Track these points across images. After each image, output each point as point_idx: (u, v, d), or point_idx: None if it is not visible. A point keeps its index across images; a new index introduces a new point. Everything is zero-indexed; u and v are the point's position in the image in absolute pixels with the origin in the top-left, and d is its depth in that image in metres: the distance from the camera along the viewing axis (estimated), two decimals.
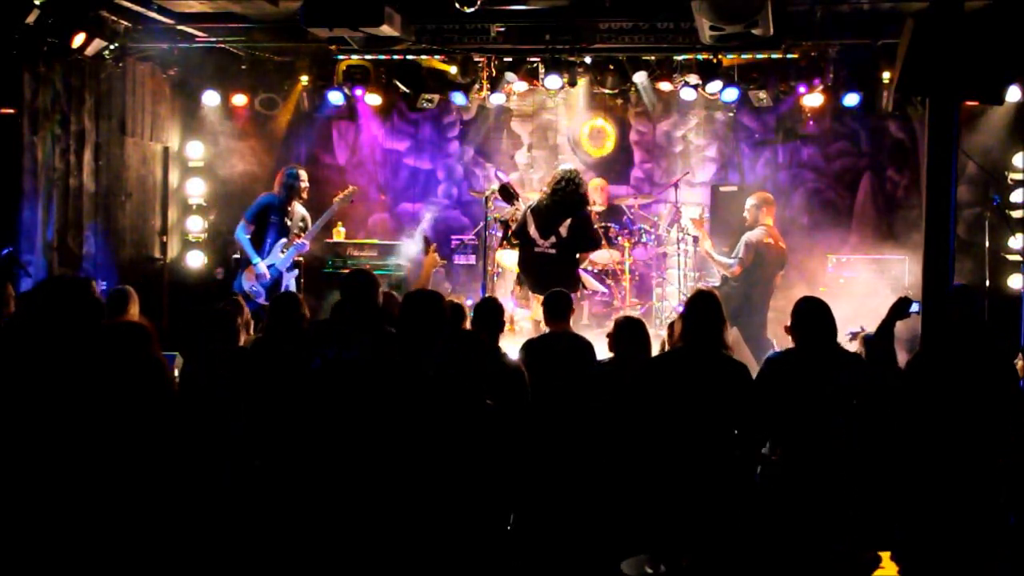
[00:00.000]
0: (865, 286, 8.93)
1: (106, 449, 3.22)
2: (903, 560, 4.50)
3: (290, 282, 8.46)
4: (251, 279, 8.31)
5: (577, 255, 8.01)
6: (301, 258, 9.57)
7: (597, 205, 9.83)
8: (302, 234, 8.49)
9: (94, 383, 3.27)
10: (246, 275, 8.34)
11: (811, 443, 4.64)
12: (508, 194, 8.62)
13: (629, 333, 5.37)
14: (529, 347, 5.71)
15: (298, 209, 8.54)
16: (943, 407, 4.51)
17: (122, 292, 5.97)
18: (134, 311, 5.83)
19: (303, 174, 8.56)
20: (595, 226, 8.35)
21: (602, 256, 9.47)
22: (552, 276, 7.68)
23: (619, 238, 9.46)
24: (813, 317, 4.82)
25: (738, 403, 4.61)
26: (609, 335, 5.44)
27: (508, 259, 9.11)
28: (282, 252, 8.36)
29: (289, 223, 8.43)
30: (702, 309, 4.77)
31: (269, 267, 8.33)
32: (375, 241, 10.48)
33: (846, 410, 4.66)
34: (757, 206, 8.36)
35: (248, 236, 8.36)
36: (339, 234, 10.44)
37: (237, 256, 8.99)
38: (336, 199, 8.75)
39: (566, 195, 7.85)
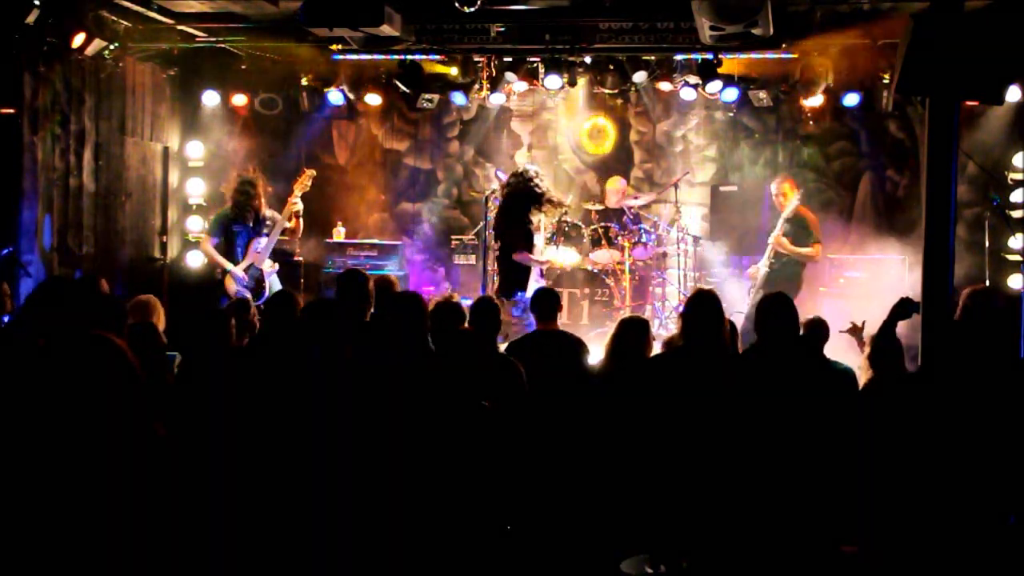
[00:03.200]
0: (865, 286, 8.93)
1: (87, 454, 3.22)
2: (903, 560, 4.50)
3: (272, 279, 8.49)
4: (231, 285, 8.34)
5: (512, 254, 7.92)
6: (301, 258, 9.54)
7: (597, 204, 9.87)
8: (273, 231, 8.48)
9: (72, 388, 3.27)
10: (227, 282, 8.38)
11: (792, 440, 4.64)
12: None
13: (631, 333, 5.37)
14: (514, 347, 5.71)
15: (261, 211, 8.53)
16: (945, 408, 4.51)
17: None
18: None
19: (256, 186, 8.47)
20: (527, 218, 8.09)
21: (602, 256, 9.48)
22: (498, 278, 7.74)
23: (619, 238, 9.47)
24: (773, 314, 4.85)
25: (738, 400, 4.60)
26: (611, 336, 5.44)
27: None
28: (258, 252, 8.39)
29: (254, 225, 8.45)
30: (701, 308, 4.77)
31: (248, 268, 8.36)
32: (375, 241, 10.49)
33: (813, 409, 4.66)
34: (787, 190, 8.76)
35: (214, 247, 8.44)
36: (339, 234, 10.44)
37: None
38: (295, 184, 8.66)
39: (510, 195, 7.90)
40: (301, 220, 8.58)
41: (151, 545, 3.28)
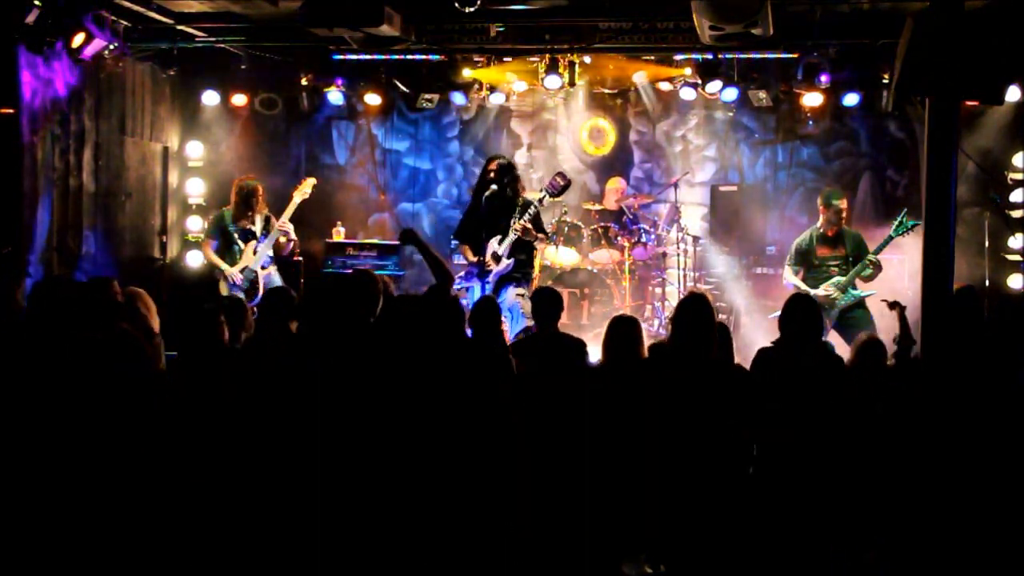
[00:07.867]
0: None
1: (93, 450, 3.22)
2: (902, 561, 4.50)
3: (271, 278, 8.47)
4: (224, 287, 8.33)
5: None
6: (300, 258, 9.52)
7: (597, 204, 9.86)
8: (269, 234, 8.46)
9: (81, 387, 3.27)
10: (221, 285, 8.36)
11: (796, 439, 4.63)
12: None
13: (622, 333, 5.35)
14: (514, 348, 5.68)
15: (258, 215, 8.51)
16: (948, 409, 4.51)
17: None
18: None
19: (258, 191, 8.43)
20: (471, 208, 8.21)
21: (602, 256, 9.47)
22: None
23: (619, 238, 9.47)
24: (801, 312, 4.84)
25: (731, 404, 4.59)
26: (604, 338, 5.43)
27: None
28: (253, 254, 8.37)
29: (252, 227, 8.43)
30: (692, 312, 4.76)
31: (242, 270, 8.35)
32: (375, 241, 10.48)
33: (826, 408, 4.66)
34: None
35: (214, 251, 8.40)
36: (339, 234, 10.44)
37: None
38: (295, 191, 8.66)
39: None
40: (291, 241, 8.56)
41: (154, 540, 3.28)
